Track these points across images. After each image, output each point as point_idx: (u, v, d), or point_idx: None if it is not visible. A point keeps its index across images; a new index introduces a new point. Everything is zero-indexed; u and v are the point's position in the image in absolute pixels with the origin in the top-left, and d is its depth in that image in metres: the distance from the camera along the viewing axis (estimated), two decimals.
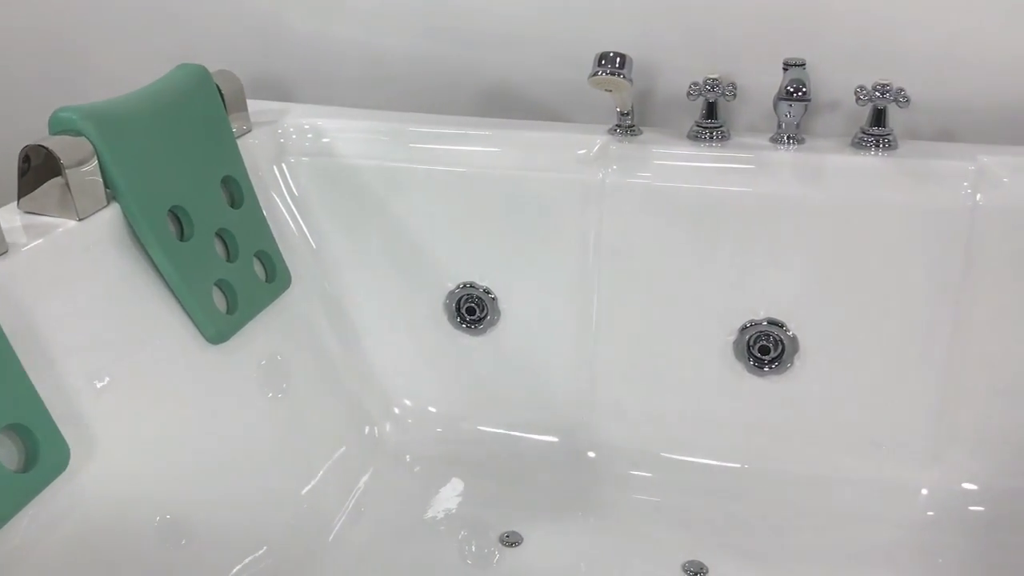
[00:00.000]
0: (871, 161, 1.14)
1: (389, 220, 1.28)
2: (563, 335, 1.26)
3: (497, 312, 1.28)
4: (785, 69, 1.15)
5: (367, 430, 1.30)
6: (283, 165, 1.28)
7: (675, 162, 1.20)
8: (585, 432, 1.28)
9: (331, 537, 1.15)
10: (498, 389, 1.31)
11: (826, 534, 1.16)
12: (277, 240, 1.20)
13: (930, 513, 1.17)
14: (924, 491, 1.18)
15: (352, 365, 1.31)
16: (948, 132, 1.22)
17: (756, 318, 1.19)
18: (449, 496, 1.24)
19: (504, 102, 1.36)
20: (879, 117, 1.15)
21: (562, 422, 1.29)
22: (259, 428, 1.13)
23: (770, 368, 1.19)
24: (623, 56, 1.13)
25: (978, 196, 1.09)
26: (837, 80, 1.22)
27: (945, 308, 1.13)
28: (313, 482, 1.18)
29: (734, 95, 1.18)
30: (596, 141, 1.22)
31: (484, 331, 1.29)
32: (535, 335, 1.27)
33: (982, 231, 1.10)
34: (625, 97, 1.19)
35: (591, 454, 1.28)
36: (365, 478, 1.25)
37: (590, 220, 1.21)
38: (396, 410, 1.34)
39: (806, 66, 1.15)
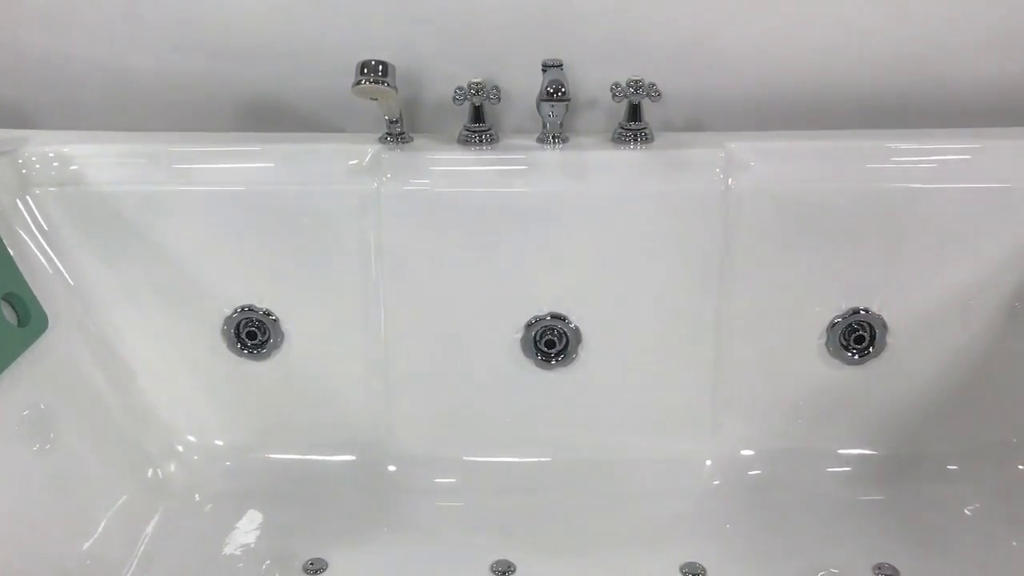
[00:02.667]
0: (631, 155, 1.19)
1: (153, 248, 1.21)
2: (351, 350, 1.24)
3: (280, 334, 1.23)
4: (544, 70, 1.19)
5: (150, 473, 1.22)
6: (27, 198, 1.18)
7: (448, 167, 1.20)
8: (383, 446, 1.26)
9: None
10: (288, 413, 1.27)
11: (624, 515, 1.20)
12: (28, 280, 1.10)
13: (716, 482, 1.24)
14: (708, 462, 1.25)
15: (127, 405, 1.22)
16: (698, 122, 1.30)
17: (540, 313, 1.21)
18: (247, 530, 1.19)
19: (268, 116, 1.32)
20: (635, 112, 1.20)
21: (359, 439, 1.27)
22: (27, 485, 1.04)
23: (557, 361, 1.22)
24: (385, 64, 1.12)
25: (729, 180, 1.17)
26: (594, 78, 1.26)
27: (710, 287, 1.20)
28: (94, 536, 1.09)
29: (498, 98, 1.20)
30: (368, 150, 1.21)
31: (268, 355, 1.24)
32: (322, 353, 1.24)
33: (735, 213, 1.17)
34: (392, 105, 1.19)
35: (391, 468, 1.26)
36: (153, 523, 1.17)
37: (368, 231, 1.19)
38: (180, 448, 1.26)
39: (563, 67, 1.19)
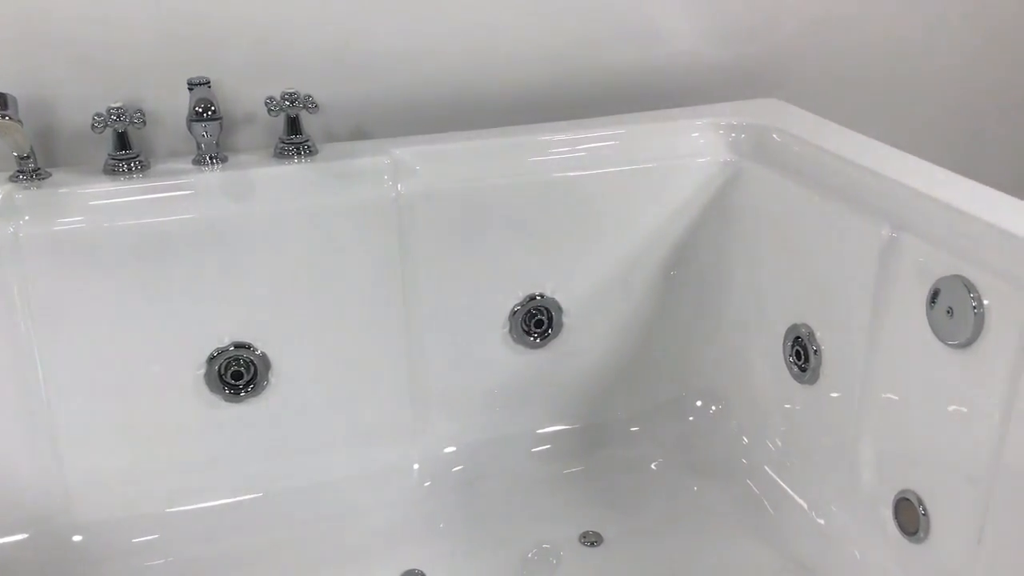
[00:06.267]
0: (295, 169, 1.16)
1: None
2: (6, 417, 1.10)
3: None
4: (191, 89, 1.12)
5: None
6: None
7: (96, 200, 1.10)
8: (63, 516, 1.14)
9: None
10: None
11: (340, 536, 1.18)
12: None
13: (426, 484, 1.25)
14: (416, 466, 1.25)
15: None
16: (362, 130, 1.29)
17: (222, 345, 1.15)
18: None
19: None
20: (294, 125, 1.17)
21: (31, 513, 1.13)
22: None
23: (247, 392, 1.17)
24: (3, 95, 1.01)
25: (399, 186, 1.17)
26: (247, 93, 1.21)
27: (393, 293, 1.20)
28: None
29: (144, 122, 1.12)
30: None
31: None
32: None
33: (408, 217, 1.18)
34: (19, 139, 1.07)
35: (77, 538, 1.14)
36: None
37: (10, 282, 1.07)
38: None
39: (211, 84, 1.13)
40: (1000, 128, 1.59)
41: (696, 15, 1.37)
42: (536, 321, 1.27)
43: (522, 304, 1.25)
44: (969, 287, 0.91)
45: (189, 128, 1.13)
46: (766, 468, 1.23)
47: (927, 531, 0.98)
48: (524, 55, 1.31)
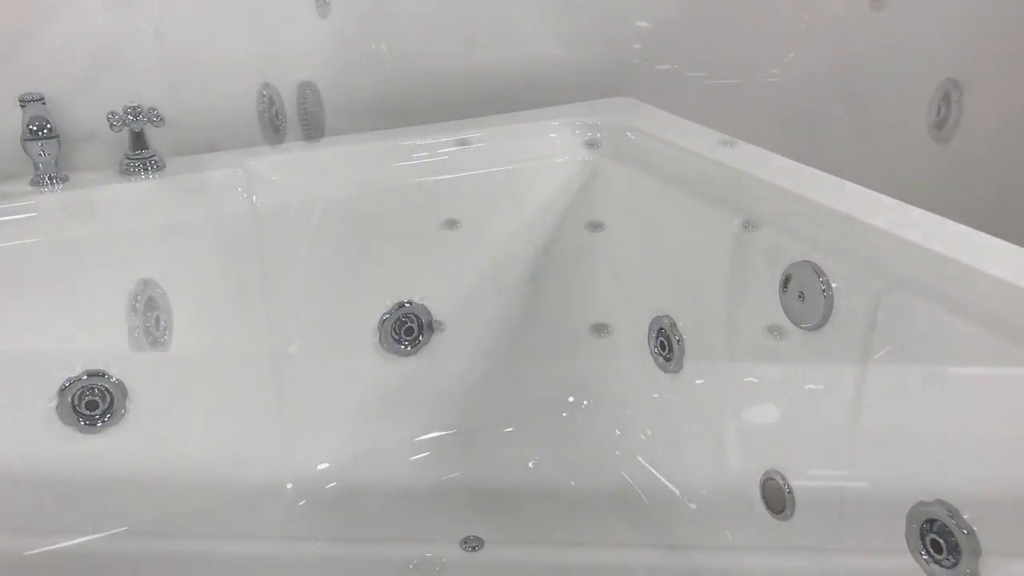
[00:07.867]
0: (143, 186, 1.11)
1: None
2: None
3: None
4: (23, 106, 1.06)
5: None
6: None
7: None
8: None
9: None
10: None
11: (214, 566, 1.14)
12: None
13: (301, 503, 1.22)
14: (289, 486, 1.22)
15: None
16: (212, 143, 1.24)
17: (73, 375, 1.09)
18: None
19: None
20: (139, 140, 1.12)
21: None
22: None
23: (104, 422, 1.11)
24: None
25: (254, 198, 1.14)
26: (87, 109, 1.15)
27: (255, 309, 1.16)
28: None
29: None
30: None
31: None
32: None
33: (267, 230, 1.15)
34: None
35: None
36: None
37: None
38: None
39: (46, 100, 1.07)
40: (842, 118, 1.67)
41: (549, 18, 1.38)
42: (406, 329, 1.25)
43: (391, 312, 1.24)
44: (818, 272, 0.95)
45: (24, 148, 1.07)
46: (639, 458, 1.26)
47: (793, 508, 1.02)
48: (379, 60, 1.30)
